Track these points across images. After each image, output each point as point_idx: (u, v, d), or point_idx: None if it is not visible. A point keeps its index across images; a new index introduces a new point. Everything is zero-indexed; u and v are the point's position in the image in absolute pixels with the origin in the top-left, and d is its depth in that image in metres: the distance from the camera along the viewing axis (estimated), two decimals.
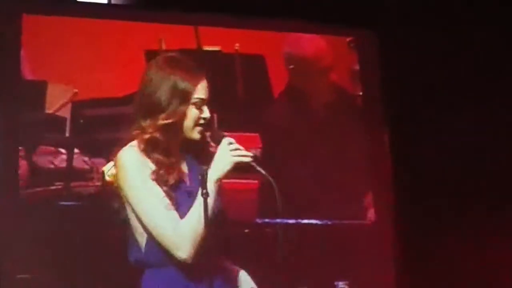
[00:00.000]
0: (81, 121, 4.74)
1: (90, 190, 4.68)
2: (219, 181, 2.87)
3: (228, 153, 2.87)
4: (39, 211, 4.53)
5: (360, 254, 5.10)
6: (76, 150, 4.70)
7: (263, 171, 2.89)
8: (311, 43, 5.41)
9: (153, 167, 2.88)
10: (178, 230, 2.82)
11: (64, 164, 4.67)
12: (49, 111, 4.67)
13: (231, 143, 2.89)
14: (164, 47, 4.86)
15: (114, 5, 5.06)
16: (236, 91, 5.18)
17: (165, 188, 2.86)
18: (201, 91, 2.98)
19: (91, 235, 4.56)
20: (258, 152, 5.08)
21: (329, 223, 5.18)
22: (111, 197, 2.99)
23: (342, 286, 4.19)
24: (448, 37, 5.52)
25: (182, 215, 2.85)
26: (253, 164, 2.89)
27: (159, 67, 3.00)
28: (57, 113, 4.69)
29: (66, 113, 4.71)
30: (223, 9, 5.05)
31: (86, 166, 4.69)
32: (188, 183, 2.96)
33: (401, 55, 5.40)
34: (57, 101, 4.69)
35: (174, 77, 2.95)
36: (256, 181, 4.88)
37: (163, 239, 2.85)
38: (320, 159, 5.26)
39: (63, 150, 4.69)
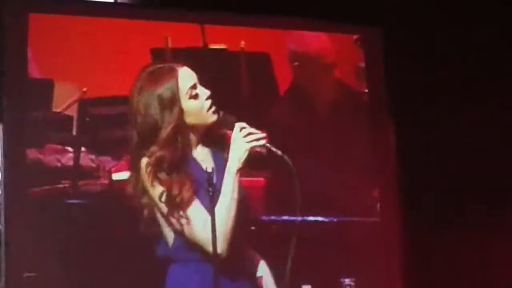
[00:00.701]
0: (88, 119, 4.76)
1: (97, 188, 4.69)
2: (240, 170, 2.86)
3: (242, 140, 2.86)
4: (46, 209, 4.54)
5: (366, 251, 5.11)
6: (83, 149, 4.71)
7: (279, 152, 2.89)
8: (315, 40, 5.42)
9: (161, 188, 2.89)
10: (206, 228, 2.82)
11: (71, 163, 4.67)
12: (56, 109, 4.69)
13: (243, 128, 2.88)
14: (170, 45, 4.87)
15: (120, 3, 5.07)
16: (241, 89, 5.19)
17: (181, 211, 2.87)
18: (184, 80, 2.96)
19: (98, 233, 4.57)
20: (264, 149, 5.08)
21: (335, 220, 5.19)
22: (138, 194, 2.98)
23: (349, 283, 4.20)
24: (453, 35, 5.53)
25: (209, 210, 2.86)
26: (268, 145, 2.89)
27: (142, 90, 2.98)
28: (64, 112, 4.70)
29: (73, 111, 4.72)
30: (228, 7, 5.06)
31: (93, 165, 4.70)
32: (214, 179, 2.95)
33: (406, 53, 5.42)
34: (64, 99, 4.70)
35: (157, 90, 2.93)
36: (262, 179, 4.90)
37: (194, 237, 2.86)
38: (325, 156, 5.27)
39: (70, 149, 4.70)
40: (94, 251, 4.53)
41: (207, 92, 2.96)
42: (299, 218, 3.22)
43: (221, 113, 2.98)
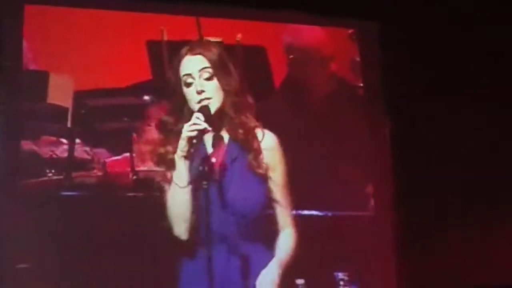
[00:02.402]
0: (83, 111, 4.75)
1: (92, 181, 4.69)
2: (182, 158, 2.90)
3: (185, 129, 2.91)
4: (40, 201, 4.54)
5: (360, 245, 5.11)
6: (77, 140, 4.71)
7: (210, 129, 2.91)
8: (311, 34, 5.42)
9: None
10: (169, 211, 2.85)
11: (65, 154, 4.67)
12: (50, 101, 4.68)
13: (196, 118, 2.92)
14: (165, 38, 4.86)
15: None
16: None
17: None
18: (184, 67, 2.99)
19: (92, 225, 4.57)
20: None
21: (330, 214, 5.19)
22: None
23: (342, 277, 4.20)
24: (449, 28, 5.53)
25: None
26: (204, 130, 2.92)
27: None
28: (59, 103, 4.70)
29: (67, 103, 4.72)
30: (224, 0, 5.05)
31: (88, 157, 4.70)
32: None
33: (402, 47, 5.41)
34: (59, 91, 4.70)
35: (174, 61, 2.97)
36: None
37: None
38: (320, 150, 5.27)
39: (64, 140, 4.70)
40: (87, 243, 4.53)
41: (199, 87, 2.97)
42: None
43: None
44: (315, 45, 5.40)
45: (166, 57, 4.59)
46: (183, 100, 2.99)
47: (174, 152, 3.01)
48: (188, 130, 2.91)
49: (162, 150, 2.98)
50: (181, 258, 2.92)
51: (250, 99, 3.96)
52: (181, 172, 2.92)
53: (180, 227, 2.88)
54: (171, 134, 3.07)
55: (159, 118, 2.94)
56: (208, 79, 3.13)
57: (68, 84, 4.72)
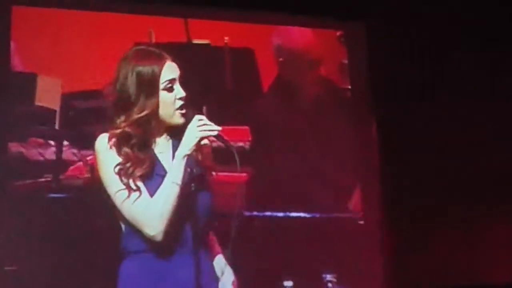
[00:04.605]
0: (71, 113, 4.74)
1: (79, 182, 4.68)
2: (186, 156, 2.89)
3: (195, 129, 2.89)
4: (28, 203, 4.53)
5: (348, 247, 5.12)
6: (65, 142, 4.70)
7: (228, 142, 2.92)
8: (300, 36, 5.43)
9: (119, 160, 2.89)
10: (146, 209, 2.84)
11: (53, 156, 4.67)
12: (38, 103, 4.67)
13: (200, 120, 2.91)
14: (153, 39, 4.86)
15: None
16: (225, 84, 5.19)
17: (131, 180, 2.87)
18: (167, 71, 2.97)
19: (80, 226, 4.56)
20: (247, 145, 5.10)
21: (317, 216, 5.20)
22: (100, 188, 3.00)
23: (330, 279, 4.21)
24: (437, 29, 5.54)
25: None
26: (220, 135, 2.92)
27: (126, 60, 3.00)
28: (47, 105, 4.69)
29: (55, 105, 4.71)
30: (212, 2, 5.05)
31: (75, 158, 4.69)
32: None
33: (389, 47, 5.42)
34: (47, 93, 4.68)
35: (138, 67, 2.95)
36: (245, 174, 4.90)
37: (133, 218, 2.86)
38: (308, 152, 5.28)
39: (52, 142, 4.69)
40: (75, 244, 4.52)
41: (183, 93, 2.96)
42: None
43: (190, 115, 2.98)
44: (305, 48, 5.41)
45: None
46: (154, 108, 2.96)
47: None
48: (200, 130, 2.90)
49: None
50: (155, 259, 2.91)
51: None
52: (180, 170, 2.91)
53: (159, 226, 2.87)
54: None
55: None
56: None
57: (56, 86, 4.71)
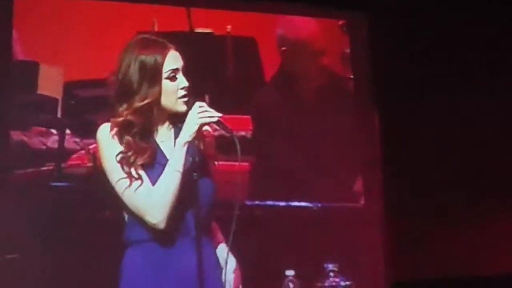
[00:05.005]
0: (73, 102, 4.74)
1: (81, 171, 4.68)
2: (187, 144, 2.88)
3: (196, 116, 2.89)
4: (30, 191, 4.54)
5: (350, 236, 5.13)
6: (67, 131, 4.70)
7: (229, 129, 2.91)
8: (304, 26, 5.42)
9: (121, 148, 2.89)
10: (148, 198, 2.84)
11: (55, 145, 4.67)
12: (41, 92, 4.67)
13: (201, 106, 2.91)
14: (156, 28, 4.85)
15: None
16: (228, 73, 5.18)
17: (132, 168, 2.87)
18: (171, 61, 2.96)
19: (82, 215, 4.57)
20: (249, 134, 5.10)
21: (319, 205, 5.20)
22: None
23: (332, 268, 4.20)
24: (439, 20, 5.54)
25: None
26: (221, 121, 2.91)
27: (130, 49, 2.99)
28: (49, 94, 4.69)
29: (58, 94, 4.71)
30: None
31: (77, 147, 4.69)
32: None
33: (392, 38, 5.42)
34: (49, 82, 4.68)
35: (141, 56, 2.94)
36: (247, 163, 4.90)
37: (135, 207, 2.86)
38: (310, 141, 5.28)
39: (54, 131, 4.69)
40: (78, 233, 4.52)
41: (186, 83, 2.96)
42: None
43: (192, 103, 2.98)
44: (308, 38, 5.41)
45: None
46: (157, 96, 2.96)
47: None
48: (200, 116, 2.90)
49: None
50: (158, 248, 2.91)
51: None
52: (181, 158, 2.90)
53: (161, 215, 2.86)
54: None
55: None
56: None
57: (58, 75, 4.71)
